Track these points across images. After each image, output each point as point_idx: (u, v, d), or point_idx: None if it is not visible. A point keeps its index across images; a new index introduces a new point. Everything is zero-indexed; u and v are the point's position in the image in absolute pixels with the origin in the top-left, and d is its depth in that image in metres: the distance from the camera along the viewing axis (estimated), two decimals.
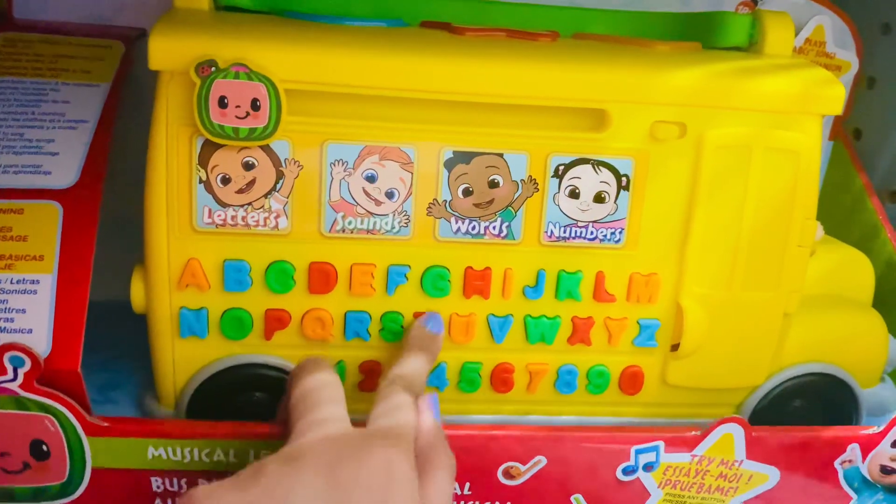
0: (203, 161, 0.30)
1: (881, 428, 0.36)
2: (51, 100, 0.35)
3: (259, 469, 0.24)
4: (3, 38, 0.37)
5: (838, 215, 0.46)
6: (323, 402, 0.27)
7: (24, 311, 0.30)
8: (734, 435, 0.34)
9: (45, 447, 0.30)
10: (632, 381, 0.35)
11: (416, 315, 0.33)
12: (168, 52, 0.29)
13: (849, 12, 0.45)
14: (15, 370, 0.29)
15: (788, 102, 0.33)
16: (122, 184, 0.34)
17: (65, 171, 0.33)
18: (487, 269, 0.33)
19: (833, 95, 0.33)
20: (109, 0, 0.40)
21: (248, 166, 0.30)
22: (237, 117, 0.29)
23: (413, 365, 0.31)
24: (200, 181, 0.30)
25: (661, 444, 0.34)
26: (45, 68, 0.36)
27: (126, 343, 0.35)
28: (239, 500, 0.23)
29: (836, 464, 0.36)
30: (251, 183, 0.30)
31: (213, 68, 0.28)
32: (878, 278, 0.41)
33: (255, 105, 0.29)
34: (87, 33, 0.38)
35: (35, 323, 0.30)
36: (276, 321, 0.32)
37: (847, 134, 0.47)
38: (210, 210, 0.30)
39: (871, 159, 0.48)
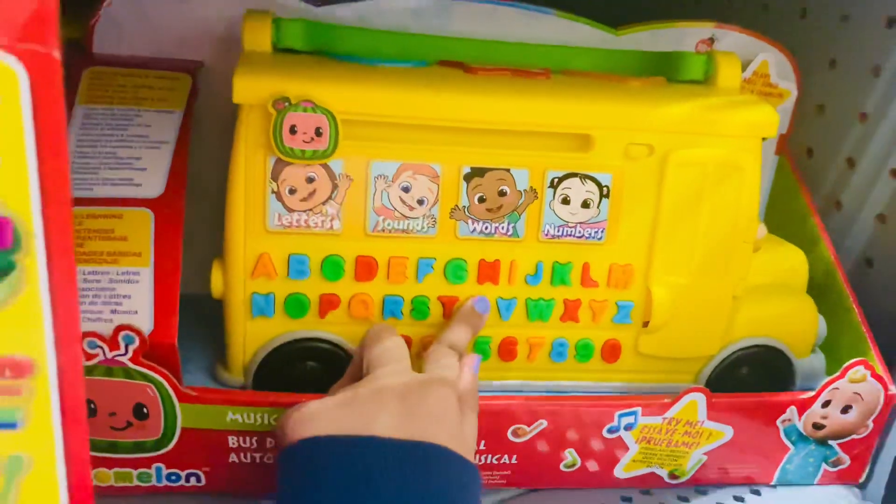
0: (275, 175, 0.37)
1: (813, 393, 0.43)
2: (136, 124, 0.42)
3: (354, 394, 0.32)
4: (91, 72, 0.44)
5: (782, 216, 0.54)
6: (395, 359, 0.35)
7: (129, 296, 0.37)
8: (698, 401, 0.41)
9: (145, 409, 0.37)
10: (612, 352, 0.43)
11: (441, 298, 0.40)
12: (249, 89, 0.36)
13: (800, 49, 0.52)
14: (126, 346, 0.36)
15: (735, 128, 0.40)
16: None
17: (153, 183, 0.40)
18: (497, 261, 0.40)
19: (770, 122, 0.41)
20: (171, 36, 0.46)
21: (310, 180, 0.38)
22: (304, 141, 0.37)
23: (459, 334, 0.39)
24: (272, 192, 0.37)
25: (639, 409, 0.41)
26: (128, 97, 0.43)
27: (189, 327, 0.41)
28: (341, 413, 0.31)
29: (778, 422, 0.43)
30: (312, 193, 0.38)
31: (286, 103, 0.36)
32: (818, 286, 0.48)
33: (318, 132, 0.36)
34: (157, 66, 0.45)
35: (139, 306, 0.37)
36: (328, 303, 0.39)
37: (794, 151, 0.54)
38: (279, 215, 0.38)
39: (820, 174, 0.54)
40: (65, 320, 0.21)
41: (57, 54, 0.19)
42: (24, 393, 0.21)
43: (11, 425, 0.21)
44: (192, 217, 0.40)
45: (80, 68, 0.44)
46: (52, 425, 0.22)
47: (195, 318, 0.41)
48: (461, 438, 0.33)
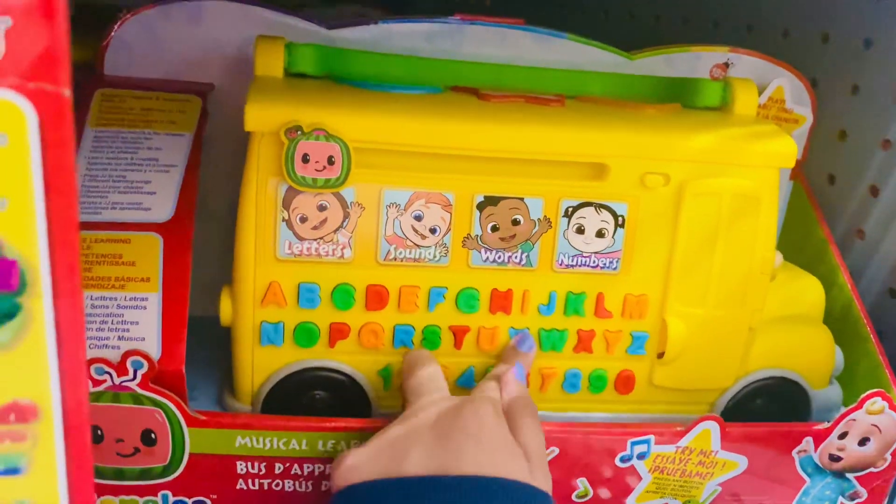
0: (286, 204, 0.37)
1: (829, 424, 0.42)
2: (146, 147, 0.42)
3: (387, 435, 0.32)
4: (101, 94, 0.44)
5: (798, 243, 0.53)
6: (429, 391, 0.35)
7: (136, 322, 0.37)
8: (711, 430, 0.40)
9: (153, 435, 0.37)
10: (625, 383, 0.42)
11: (452, 327, 0.40)
12: (261, 117, 0.36)
13: (821, 75, 0.52)
14: (135, 371, 0.35)
15: (753, 158, 0.40)
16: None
17: (162, 207, 0.40)
18: (510, 290, 0.40)
19: (788, 153, 0.40)
20: (180, 59, 0.46)
21: (321, 208, 0.37)
22: (316, 170, 0.36)
23: (499, 370, 0.38)
24: (283, 220, 0.37)
25: (651, 437, 0.40)
26: (138, 120, 0.43)
27: (197, 352, 0.40)
28: (376, 456, 0.31)
29: (794, 453, 0.42)
30: (324, 221, 0.37)
31: (298, 132, 0.36)
32: (836, 316, 0.47)
33: (330, 160, 0.36)
34: (167, 88, 0.45)
35: (146, 332, 0.37)
36: (338, 332, 0.39)
37: (815, 178, 0.54)
38: (290, 243, 0.37)
39: (842, 201, 0.54)
40: (70, 363, 0.21)
41: (67, 93, 0.19)
42: (28, 438, 0.21)
43: (15, 471, 0.21)
44: (200, 239, 0.40)
45: (91, 90, 0.44)
46: (56, 470, 0.21)
47: (201, 342, 0.40)
48: (508, 452, 0.32)
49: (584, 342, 0.41)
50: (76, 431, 0.21)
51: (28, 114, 0.18)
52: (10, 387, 0.20)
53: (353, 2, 0.73)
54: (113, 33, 0.44)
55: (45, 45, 0.18)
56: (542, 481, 0.32)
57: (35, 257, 0.19)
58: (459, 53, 0.47)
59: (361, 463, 0.32)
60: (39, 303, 0.20)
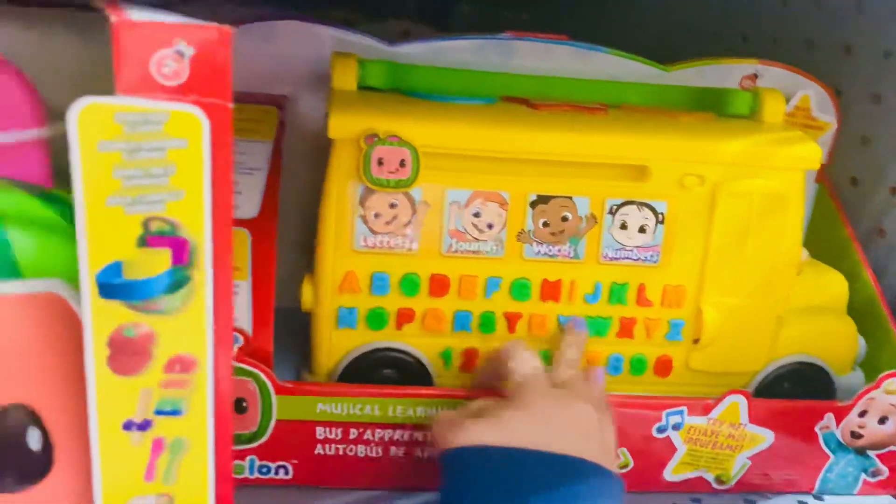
0: (362, 202, 0.41)
1: (850, 401, 0.45)
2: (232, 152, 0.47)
3: (499, 417, 0.36)
4: None
5: (823, 242, 0.56)
6: (536, 376, 0.39)
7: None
8: (739, 403, 0.44)
9: (244, 403, 0.41)
10: (664, 366, 0.46)
11: (506, 314, 0.44)
12: (342, 126, 0.40)
13: (844, 84, 0.55)
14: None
15: (781, 161, 0.44)
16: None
17: (249, 206, 0.44)
18: (559, 280, 0.44)
19: (814, 157, 0.44)
20: (255, 74, 0.51)
21: (392, 206, 0.42)
22: (389, 172, 0.41)
23: (571, 354, 0.42)
24: (359, 216, 0.42)
25: (684, 408, 0.44)
26: None
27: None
28: (491, 432, 0.35)
29: (817, 429, 0.45)
30: (394, 218, 0.42)
31: (375, 138, 0.40)
32: (859, 308, 0.50)
33: (401, 163, 0.41)
34: (246, 100, 0.50)
35: (238, 315, 0.41)
36: (405, 317, 0.43)
37: (838, 180, 0.57)
38: (365, 237, 0.42)
39: (864, 202, 0.57)
40: (222, 325, 0.26)
41: (230, 106, 0.24)
42: (188, 386, 0.25)
43: (177, 412, 0.25)
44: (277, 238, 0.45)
45: None
46: (206, 414, 0.26)
47: (277, 328, 0.44)
48: (605, 449, 0.37)
49: (626, 328, 0.45)
50: (222, 382, 0.26)
51: (203, 122, 0.23)
52: (178, 343, 0.25)
53: (400, 18, 0.78)
54: None
55: (218, 69, 0.23)
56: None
57: (201, 237, 0.24)
58: (508, 66, 0.51)
59: (480, 433, 0.35)
60: (202, 275, 0.24)
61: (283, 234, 0.46)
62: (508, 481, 0.34)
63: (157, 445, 0.25)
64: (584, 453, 0.36)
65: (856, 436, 0.46)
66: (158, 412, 0.25)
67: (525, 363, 0.40)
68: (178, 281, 0.24)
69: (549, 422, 0.36)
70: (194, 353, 0.25)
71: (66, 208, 0.25)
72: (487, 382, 0.42)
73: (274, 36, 0.51)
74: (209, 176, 0.24)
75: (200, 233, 0.24)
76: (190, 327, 0.25)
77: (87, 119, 0.22)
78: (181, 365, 0.25)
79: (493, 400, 0.39)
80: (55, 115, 0.26)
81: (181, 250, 0.24)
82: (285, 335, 0.46)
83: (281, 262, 0.45)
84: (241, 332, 0.40)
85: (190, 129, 0.23)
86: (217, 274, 0.25)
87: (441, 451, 0.37)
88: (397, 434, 0.42)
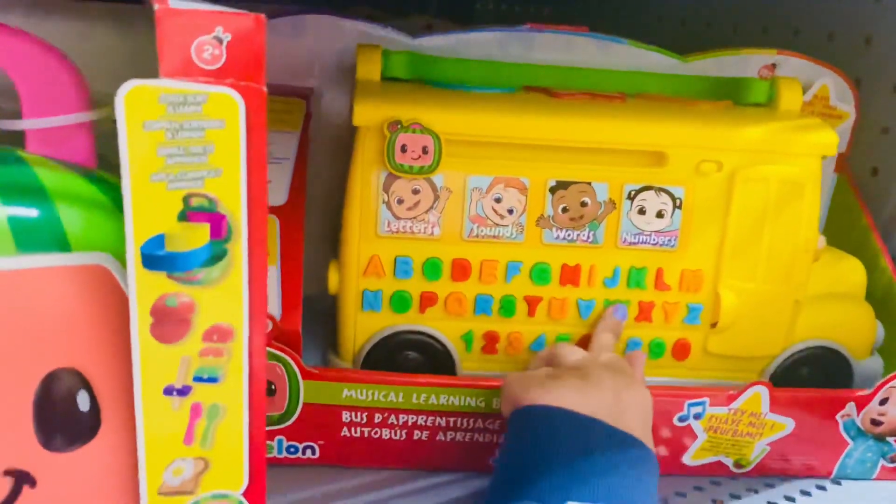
0: (386, 188, 0.43)
1: (871, 391, 0.46)
2: None
3: (578, 385, 0.37)
4: None
5: (843, 232, 0.57)
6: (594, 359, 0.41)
7: None
8: (761, 394, 0.44)
9: (273, 386, 0.43)
10: (682, 350, 0.47)
11: (526, 297, 0.45)
12: (367, 114, 0.42)
13: (864, 74, 0.55)
14: None
15: (798, 147, 0.44)
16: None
17: (277, 193, 0.46)
18: (578, 265, 0.45)
19: (830, 142, 0.45)
20: (282, 67, 0.52)
21: (415, 192, 0.43)
22: (412, 158, 0.42)
23: (607, 339, 0.44)
24: (383, 202, 0.43)
25: (707, 399, 0.44)
26: None
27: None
28: (566, 399, 0.37)
29: (837, 417, 0.46)
30: (417, 203, 0.43)
31: (398, 125, 0.42)
32: (879, 298, 0.50)
33: (424, 150, 0.42)
34: (274, 92, 0.51)
35: (268, 299, 0.43)
36: (428, 300, 0.45)
37: (858, 170, 0.57)
38: (389, 222, 0.43)
39: (885, 193, 0.57)
40: (257, 297, 0.27)
41: (264, 89, 0.25)
42: (225, 354, 0.27)
43: (214, 380, 0.27)
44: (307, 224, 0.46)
45: None
46: (242, 382, 0.27)
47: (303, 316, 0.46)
48: (648, 427, 0.39)
49: (644, 312, 0.46)
50: (256, 352, 0.28)
51: (239, 104, 0.25)
52: (216, 313, 0.26)
53: (422, 14, 0.80)
54: None
55: (253, 54, 0.25)
56: None
57: (238, 213, 0.26)
58: (529, 58, 0.52)
59: (560, 395, 0.37)
60: (239, 249, 0.26)
61: (308, 223, 0.48)
62: (576, 446, 0.35)
63: (196, 410, 0.27)
64: (643, 436, 0.37)
65: (876, 423, 0.47)
66: (197, 379, 0.26)
67: (573, 353, 0.41)
68: (216, 254, 0.26)
69: (618, 399, 0.38)
70: (231, 322, 0.27)
71: (108, 187, 0.27)
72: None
73: (301, 29, 0.52)
74: (245, 155, 0.25)
75: (237, 208, 0.25)
76: (228, 298, 0.26)
77: (133, 100, 0.23)
78: (219, 334, 0.26)
79: (561, 370, 0.40)
80: (99, 100, 0.28)
81: (219, 225, 0.25)
82: (312, 320, 0.47)
83: (306, 250, 0.46)
84: (270, 317, 0.41)
85: (227, 110, 0.24)
86: (252, 248, 0.26)
87: (514, 408, 0.38)
88: (420, 419, 0.44)
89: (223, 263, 0.26)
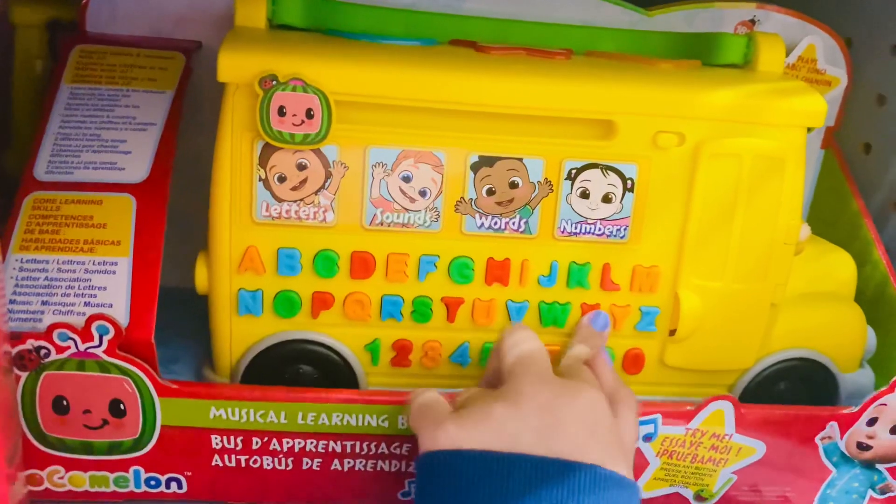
0: (262, 162, 0.34)
1: (857, 408, 0.39)
2: (123, 105, 0.40)
3: (487, 409, 0.30)
4: (79, 51, 0.41)
5: (830, 218, 0.50)
6: (535, 363, 0.33)
7: (104, 288, 0.35)
8: (725, 410, 0.38)
9: (122, 406, 0.35)
10: (634, 362, 0.39)
11: (445, 299, 0.37)
12: (234, 67, 0.33)
13: (857, 33, 0.49)
14: (100, 337, 0.33)
15: (777, 116, 0.37)
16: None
17: (137, 167, 0.38)
18: (507, 259, 0.37)
19: (816, 110, 0.37)
20: (169, 15, 0.44)
21: (301, 167, 0.35)
22: (293, 124, 0.33)
23: (577, 351, 0.36)
24: (260, 179, 0.35)
25: (658, 416, 0.38)
26: (117, 77, 0.41)
27: (180, 324, 0.39)
28: (478, 431, 0.29)
29: (817, 439, 0.40)
30: (304, 181, 0.35)
31: (273, 82, 0.33)
32: (870, 295, 0.45)
33: (309, 114, 0.33)
34: (151, 45, 0.43)
35: (115, 299, 0.35)
36: (321, 302, 0.37)
37: (848, 146, 0.50)
38: (267, 204, 0.35)
39: (879, 173, 0.51)
40: None
41: None
42: None
43: None
44: (192, 206, 0.38)
45: (70, 47, 0.42)
46: None
47: (190, 314, 0.38)
48: (616, 446, 0.31)
49: None
50: None
51: None
52: None
53: None
54: None
55: None
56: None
57: None
58: (462, 9, 0.44)
59: (465, 431, 0.30)
60: None
61: (199, 203, 0.39)
62: (492, 495, 0.28)
63: None
64: (591, 455, 0.29)
65: (863, 447, 0.40)
66: None
67: (522, 343, 0.33)
68: None
69: (547, 417, 0.30)
70: None
71: None
72: (492, 380, 0.35)
73: None
74: None
75: None
76: None
77: None
78: None
79: (481, 390, 0.33)
80: None
81: None
82: (202, 321, 0.39)
83: (197, 235, 0.38)
84: (110, 320, 0.33)
85: None
86: None
87: (419, 451, 0.31)
88: (310, 444, 0.36)
89: None
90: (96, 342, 0.33)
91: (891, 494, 0.42)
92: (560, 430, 0.30)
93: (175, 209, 0.38)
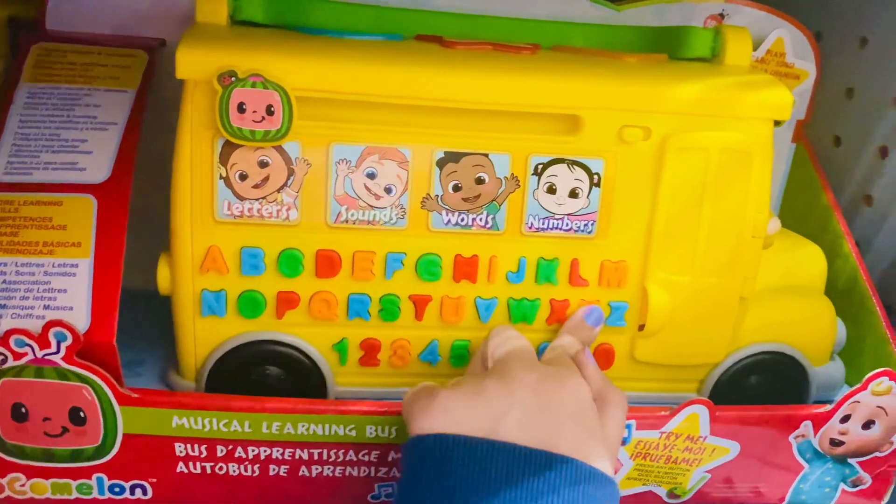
0: (223, 160, 0.34)
1: (831, 407, 0.39)
2: (83, 104, 0.39)
3: (482, 387, 0.30)
4: (39, 48, 0.40)
5: (800, 212, 0.50)
6: (522, 350, 0.33)
7: (64, 291, 0.34)
8: (699, 414, 0.37)
9: (82, 414, 0.34)
10: (604, 357, 0.39)
11: (412, 297, 0.37)
12: (193, 63, 0.33)
13: (826, 27, 0.49)
14: (58, 344, 0.32)
15: (743, 109, 0.37)
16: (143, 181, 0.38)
17: (98, 167, 0.37)
18: (475, 256, 0.37)
19: (782, 103, 0.37)
20: (132, 12, 0.43)
21: (263, 164, 0.34)
22: (254, 121, 0.33)
23: (565, 341, 0.36)
24: (221, 177, 0.34)
25: (633, 422, 0.37)
26: (77, 76, 0.40)
27: (147, 326, 0.39)
28: (469, 407, 0.30)
29: (791, 438, 0.39)
30: (266, 179, 0.34)
31: (233, 78, 0.32)
32: (840, 289, 0.45)
33: (269, 110, 0.33)
34: (113, 43, 0.42)
35: (75, 302, 0.34)
36: (286, 302, 0.36)
37: (818, 139, 0.50)
38: (229, 203, 0.34)
39: (848, 165, 0.50)
40: None
41: None
42: None
43: None
44: (155, 206, 0.37)
45: (30, 45, 0.41)
46: None
47: (156, 316, 0.38)
48: (599, 438, 0.30)
49: (557, 313, 0.38)
50: None
51: None
52: None
53: None
54: None
55: None
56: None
57: None
58: (430, 4, 0.43)
59: (455, 409, 0.30)
60: None
61: (164, 203, 0.38)
62: (474, 481, 0.28)
63: None
64: (573, 443, 0.29)
65: (836, 443, 0.40)
66: None
67: (509, 341, 0.33)
68: None
69: (535, 399, 0.30)
70: None
71: None
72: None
73: None
74: None
75: None
76: None
77: None
78: None
79: (472, 375, 0.33)
80: None
81: None
82: (162, 324, 0.38)
83: (164, 235, 0.37)
84: (67, 326, 0.32)
85: None
86: None
87: (409, 436, 0.31)
88: (276, 452, 0.35)
89: None
90: (54, 349, 0.32)
91: (862, 487, 0.42)
92: (546, 417, 0.30)
93: (138, 210, 0.37)
